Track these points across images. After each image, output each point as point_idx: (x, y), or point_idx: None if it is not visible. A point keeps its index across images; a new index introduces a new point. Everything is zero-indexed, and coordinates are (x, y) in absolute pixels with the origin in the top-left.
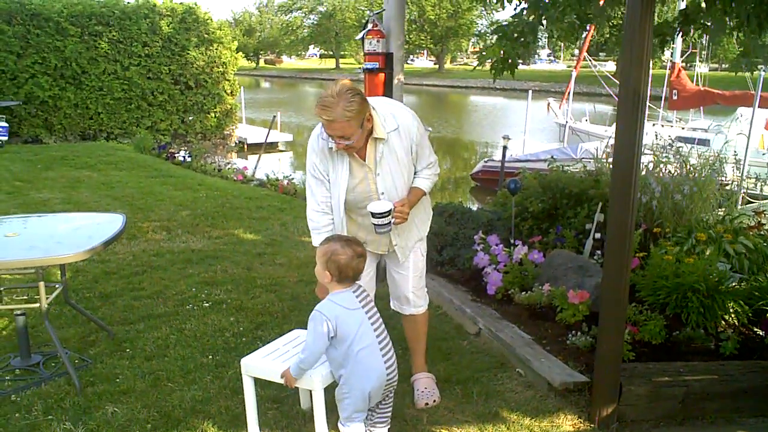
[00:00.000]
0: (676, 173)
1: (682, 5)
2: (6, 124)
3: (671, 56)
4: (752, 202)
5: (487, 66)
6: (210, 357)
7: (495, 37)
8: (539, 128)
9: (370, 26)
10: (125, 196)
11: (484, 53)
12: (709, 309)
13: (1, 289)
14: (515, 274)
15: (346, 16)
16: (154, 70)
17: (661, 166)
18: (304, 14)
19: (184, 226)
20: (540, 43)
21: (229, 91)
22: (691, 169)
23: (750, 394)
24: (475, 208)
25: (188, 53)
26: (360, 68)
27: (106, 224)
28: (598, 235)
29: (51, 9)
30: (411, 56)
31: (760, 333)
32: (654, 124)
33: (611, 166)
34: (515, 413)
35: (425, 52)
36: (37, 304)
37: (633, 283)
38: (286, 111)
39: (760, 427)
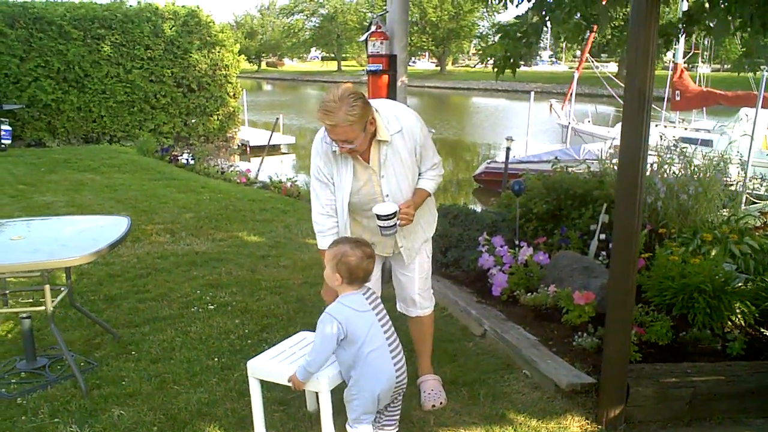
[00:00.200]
0: (680, 174)
1: (684, 6)
2: (9, 128)
3: (673, 57)
4: (756, 203)
5: (489, 68)
6: (215, 359)
7: (497, 37)
8: (541, 129)
9: (373, 28)
10: (128, 198)
11: (485, 51)
12: (716, 309)
13: (7, 292)
14: (520, 276)
15: (348, 19)
16: (156, 73)
17: (666, 166)
18: (305, 17)
19: (188, 229)
20: (542, 45)
21: (231, 94)
22: (696, 169)
23: (757, 395)
24: (478, 209)
25: (191, 56)
26: (362, 70)
27: (110, 227)
28: (603, 236)
29: (54, 12)
30: (413, 58)
31: (767, 333)
32: (657, 125)
33: (617, 166)
34: (522, 415)
35: (427, 54)
36: (43, 307)
37: (639, 283)
38: (288, 113)
39: None
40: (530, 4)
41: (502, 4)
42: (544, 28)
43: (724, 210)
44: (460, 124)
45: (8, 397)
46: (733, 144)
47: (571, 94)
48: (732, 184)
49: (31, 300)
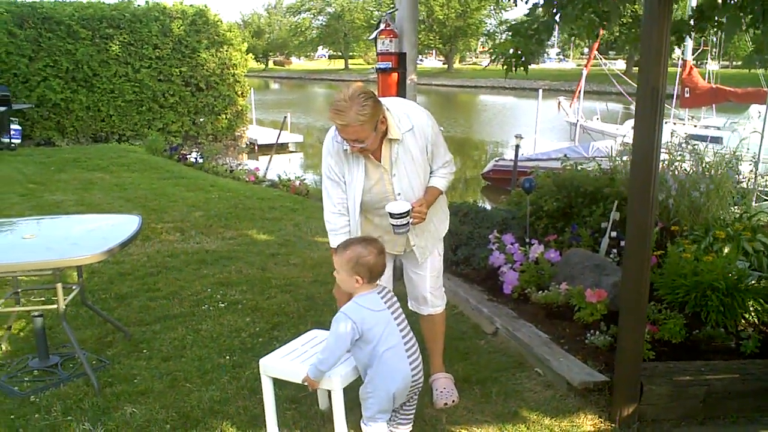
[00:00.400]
0: (692, 171)
1: (694, 2)
2: (19, 127)
3: (682, 54)
4: (766, 200)
5: (498, 66)
6: (227, 357)
7: (507, 34)
8: (549, 127)
9: (382, 26)
10: (138, 197)
11: (495, 49)
12: (729, 307)
13: (19, 290)
14: (531, 273)
15: (355, 17)
16: (165, 72)
17: (677, 164)
18: (312, 15)
19: (198, 227)
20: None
21: (239, 93)
22: (707, 166)
23: None
24: (487, 207)
25: (199, 55)
26: (369, 69)
27: (120, 225)
28: (614, 234)
29: (62, 12)
30: (420, 56)
31: None
32: (666, 122)
33: (630, 164)
34: (535, 413)
35: (434, 52)
36: (55, 306)
37: (651, 281)
38: (295, 112)
39: None
40: (541, 1)
41: (512, 1)
42: (555, 26)
43: (736, 207)
44: (468, 122)
45: (21, 395)
46: (744, 141)
47: (580, 92)
48: (743, 182)
49: (43, 298)
